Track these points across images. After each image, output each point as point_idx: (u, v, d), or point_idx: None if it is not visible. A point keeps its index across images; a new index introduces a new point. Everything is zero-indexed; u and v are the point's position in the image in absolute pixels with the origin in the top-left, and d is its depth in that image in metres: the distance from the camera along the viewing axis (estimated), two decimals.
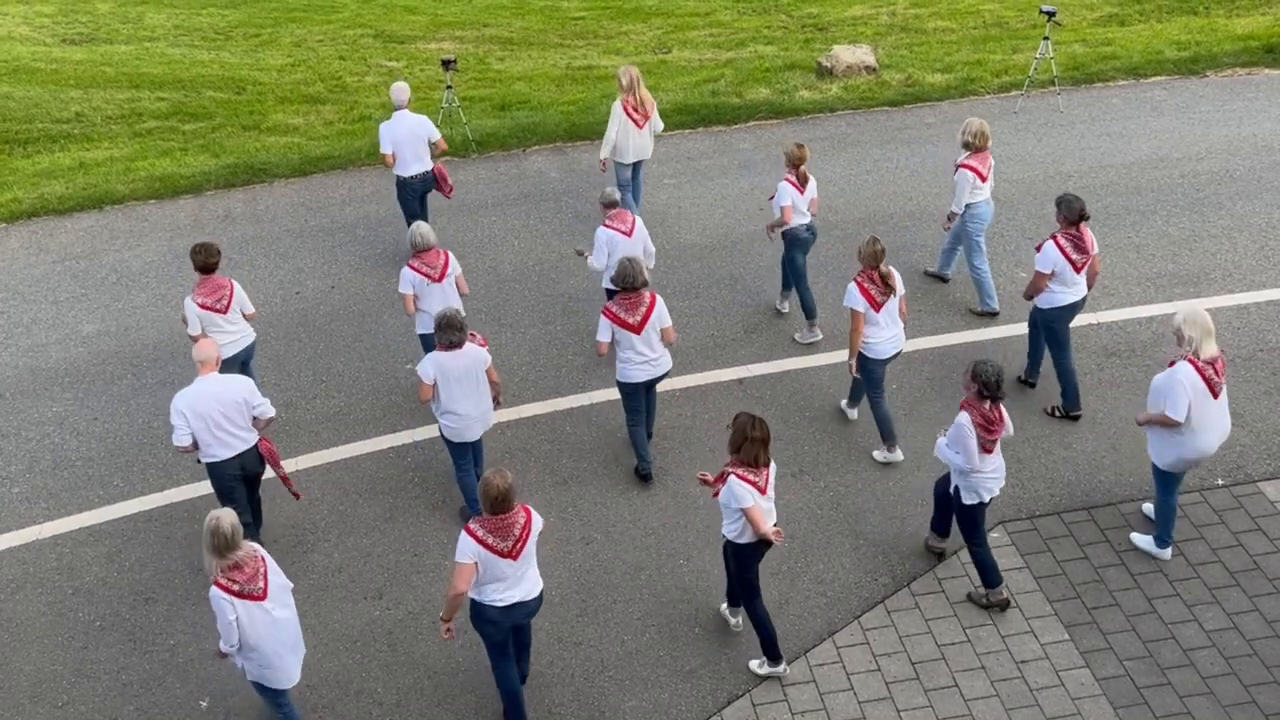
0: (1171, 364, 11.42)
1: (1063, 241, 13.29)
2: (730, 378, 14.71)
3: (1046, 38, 20.59)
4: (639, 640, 11.70)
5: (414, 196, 16.71)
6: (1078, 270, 13.38)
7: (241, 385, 11.89)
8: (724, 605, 11.83)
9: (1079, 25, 24.48)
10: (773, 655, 11.25)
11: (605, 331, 12.75)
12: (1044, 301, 13.56)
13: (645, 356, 12.87)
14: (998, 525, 12.61)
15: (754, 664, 11.41)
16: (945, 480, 11.80)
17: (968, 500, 11.43)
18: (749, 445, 10.48)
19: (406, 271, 13.57)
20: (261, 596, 9.93)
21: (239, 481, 12.14)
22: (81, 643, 11.91)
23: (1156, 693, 10.91)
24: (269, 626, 10.03)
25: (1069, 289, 13.45)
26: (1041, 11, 20.54)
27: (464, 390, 12.23)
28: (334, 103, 22.55)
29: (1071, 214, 13.25)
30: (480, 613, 10.39)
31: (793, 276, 15.27)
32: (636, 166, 17.23)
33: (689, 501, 12.96)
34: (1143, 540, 12.36)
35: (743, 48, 24.93)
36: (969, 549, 11.74)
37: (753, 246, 16.81)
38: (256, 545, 10.16)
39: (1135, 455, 13.30)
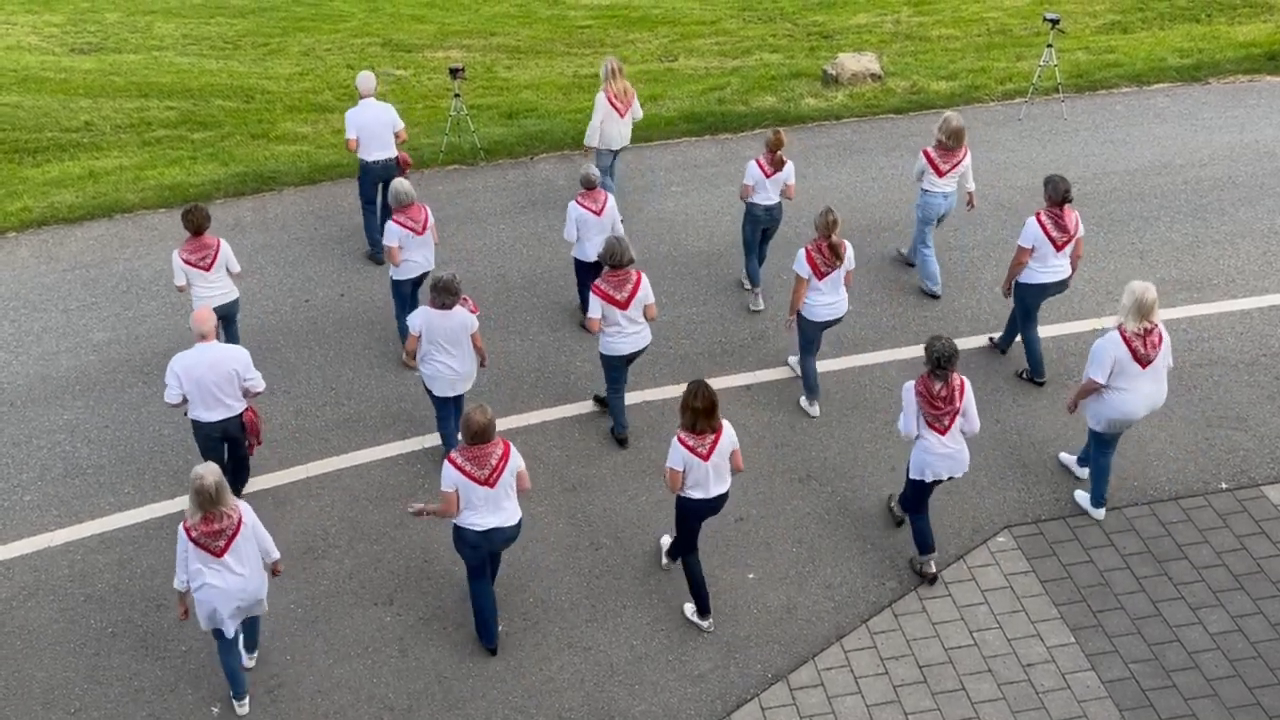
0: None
1: (1044, 219, 13.84)
2: (738, 384, 14.77)
3: (1050, 45, 20.66)
4: (648, 645, 11.77)
5: (374, 181, 17.29)
6: (1058, 249, 13.89)
7: (235, 357, 12.50)
8: (689, 606, 12.31)
9: (1082, 33, 24.53)
10: (702, 610, 12.05)
11: (596, 309, 13.33)
12: (1023, 277, 14.11)
13: (629, 331, 13.52)
14: (1004, 530, 12.69)
15: (687, 608, 12.19)
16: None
17: (913, 475, 11.99)
18: (688, 414, 11.12)
19: (392, 225, 14.60)
20: (218, 554, 10.47)
21: (220, 442, 12.85)
22: (93, 649, 11.96)
23: (1162, 695, 10.98)
24: (216, 579, 10.56)
25: (1048, 268, 14.03)
26: (1045, 19, 20.62)
27: (446, 350, 12.97)
28: (342, 111, 22.43)
29: (1056, 194, 13.75)
30: (461, 536, 11.24)
31: (743, 245, 16.34)
32: (618, 155, 17.94)
33: None
34: (1082, 498, 13.09)
35: (748, 56, 24.97)
36: (910, 518, 12.38)
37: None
38: (243, 508, 10.63)
39: (1138, 460, 13.38)
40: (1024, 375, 14.75)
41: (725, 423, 11.31)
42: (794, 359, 14.96)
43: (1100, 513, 12.86)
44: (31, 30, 27.67)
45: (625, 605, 12.17)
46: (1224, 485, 13.12)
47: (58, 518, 13.48)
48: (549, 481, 13.52)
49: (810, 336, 14.16)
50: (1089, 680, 11.18)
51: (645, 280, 13.43)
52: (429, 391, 13.38)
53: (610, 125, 17.39)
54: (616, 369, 13.81)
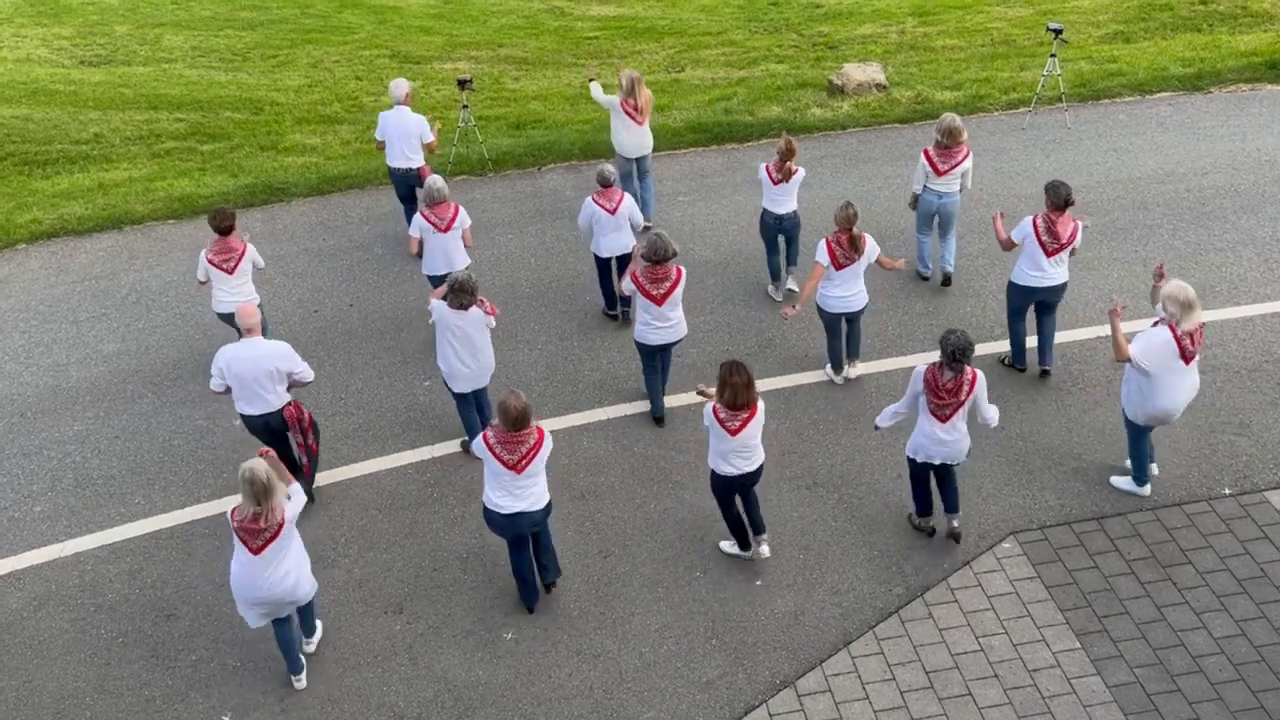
0: (1155, 324, 12.22)
1: (1039, 221, 14.05)
2: None
3: (1053, 55, 20.74)
4: (657, 652, 11.82)
5: (398, 188, 17.75)
6: (1048, 254, 14.05)
7: (277, 352, 12.79)
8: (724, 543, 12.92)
9: (1085, 43, 24.60)
10: (743, 544, 12.65)
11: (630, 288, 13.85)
12: (1013, 276, 14.40)
13: (662, 324, 13.96)
14: (1009, 536, 12.73)
15: (724, 544, 12.82)
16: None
17: (908, 452, 12.40)
18: (729, 390, 11.51)
19: (418, 218, 15.17)
20: (255, 551, 10.66)
21: (265, 435, 13.11)
22: (104, 659, 12.01)
23: (1167, 699, 11.02)
24: (246, 570, 10.76)
25: (1036, 272, 14.21)
26: (1048, 29, 20.71)
27: (462, 347, 13.25)
28: (351, 122, 22.71)
29: (1057, 199, 13.94)
30: (489, 516, 11.68)
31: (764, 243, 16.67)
32: (640, 162, 17.99)
33: (705, 515, 13.08)
34: (1122, 481, 13.21)
35: (755, 66, 25.07)
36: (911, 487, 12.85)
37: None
38: (290, 510, 10.77)
39: None
40: (1005, 361, 15.03)
41: (760, 404, 11.70)
42: (834, 373, 15.15)
43: (1146, 489, 13.10)
44: (41, 43, 27.80)
45: (634, 612, 12.23)
46: (1227, 491, 13.17)
47: (68, 528, 13.54)
48: (558, 489, 13.53)
49: (828, 324, 14.62)
50: (1094, 685, 11.22)
51: (684, 279, 13.84)
52: (447, 386, 13.67)
53: (627, 133, 17.58)
54: (649, 356, 14.20)
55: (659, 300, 13.65)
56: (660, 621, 12.11)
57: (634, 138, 17.63)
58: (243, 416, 13.01)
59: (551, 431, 14.33)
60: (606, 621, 12.15)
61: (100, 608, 12.56)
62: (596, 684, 11.54)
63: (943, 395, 11.74)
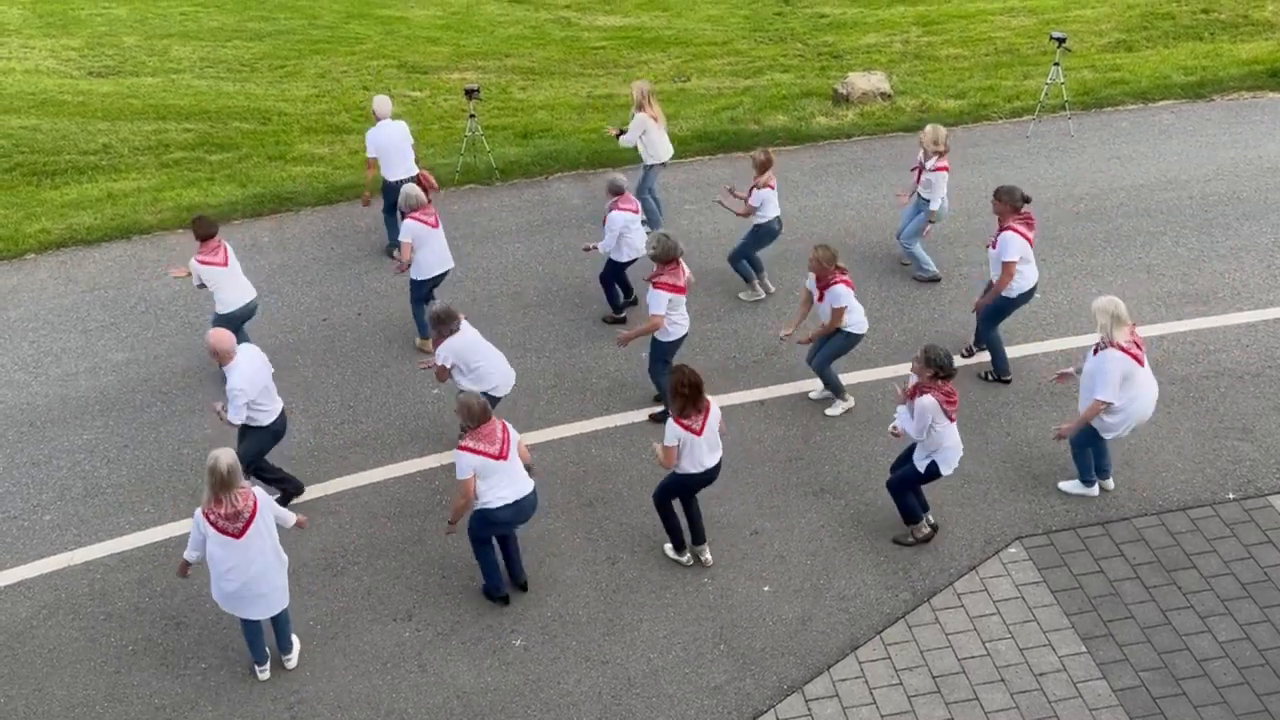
0: (1096, 351, 12.37)
1: (1019, 227, 14.22)
2: (752, 399, 14.88)
3: (1057, 63, 20.80)
4: (665, 658, 11.86)
5: (394, 195, 17.59)
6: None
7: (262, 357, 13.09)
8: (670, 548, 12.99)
9: (1088, 51, 24.64)
10: (677, 545, 12.81)
11: (663, 304, 13.90)
12: (1008, 291, 14.46)
13: (686, 316, 14.29)
14: (1015, 541, 12.78)
15: (667, 548, 12.91)
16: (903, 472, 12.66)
17: (945, 470, 12.34)
18: (679, 400, 11.74)
19: (409, 223, 15.25)
20: (237, 536, 10.81)
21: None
22: (114, 667, 12.04)
23: (1171, 703, 11.07)
24: (231, 554, 10.91)
25: (1027, 274, 14.47)
26: (1052, 38, 20.75)
27: (473, 367, 13.40)
28: (358, 132, 22.70)
29: (1014, 199, 14.20)
30: (489, 518, 11.81)
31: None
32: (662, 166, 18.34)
33: (711, 521, 13.11)
34: (1071, 486, 13.37)
35: (760, 76, 25.12)
36: (899, 493, 12.73)
37: (772, 270, 16.98)
38: (257, 491, 10.99)
39: (1147, 470, 13.49)
40: (989, 377, 15.11)
41: (709, 399, 11.88)
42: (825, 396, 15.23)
43: (1110, 483, 13.33)
44: (49, 54, 27.85)
45: (642, 619, 12.28)
46: (1231, 495, 13.22)
47: (77, 537, 13.58)
48: (566, 496, 13.64)
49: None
50: (1100, 689, 11.27)
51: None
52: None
53: (661, 137, 17.93)
54: (672, 351, 14.36)
55: (684, 289, 13.99)
56: (668, 627, 12.16)
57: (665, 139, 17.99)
58: (262, 428, 13.05)
59: (560, 439, 14.47)
60: (615, 628, 12.20)
61: (110, 616, 12.59)
62: (605, 690, 11.59)
63: (953, 399, 11.92)
